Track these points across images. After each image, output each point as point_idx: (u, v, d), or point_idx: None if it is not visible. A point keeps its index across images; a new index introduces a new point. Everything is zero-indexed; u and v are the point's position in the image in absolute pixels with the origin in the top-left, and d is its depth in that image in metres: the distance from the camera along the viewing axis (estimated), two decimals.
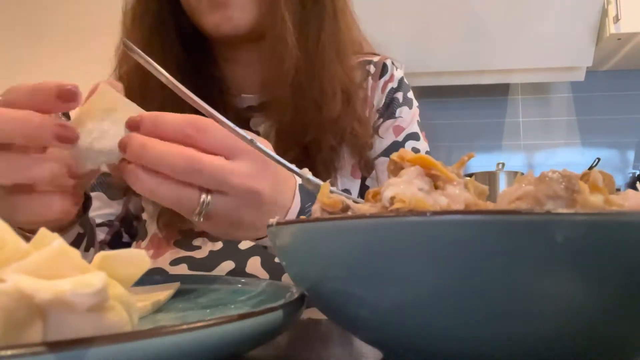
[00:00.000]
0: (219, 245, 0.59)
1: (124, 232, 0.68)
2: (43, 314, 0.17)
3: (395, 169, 0.26)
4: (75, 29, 2.50)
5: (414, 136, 0.69)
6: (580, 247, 0.17)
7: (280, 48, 0.57)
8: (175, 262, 0.58)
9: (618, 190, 0.25)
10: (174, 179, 0.34)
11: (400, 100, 0.69)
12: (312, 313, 0.35)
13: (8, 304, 0.16)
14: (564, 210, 0.17)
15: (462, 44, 1.79)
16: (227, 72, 0.66)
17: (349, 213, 0.25)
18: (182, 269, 0.57)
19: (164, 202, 0.35)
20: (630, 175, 2.06)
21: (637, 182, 1.99)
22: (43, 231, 0.20)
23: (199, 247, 0.59)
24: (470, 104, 2.13)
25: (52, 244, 0.18)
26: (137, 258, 0.21)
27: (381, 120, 0.68)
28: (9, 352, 0.15)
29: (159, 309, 0.32)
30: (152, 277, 0.39)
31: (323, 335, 0.35)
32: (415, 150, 0.68)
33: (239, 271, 0.57)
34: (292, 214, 0.40)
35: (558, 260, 0.17)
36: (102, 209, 0.65)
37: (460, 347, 0.20)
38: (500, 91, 2.14)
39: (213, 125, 0.34)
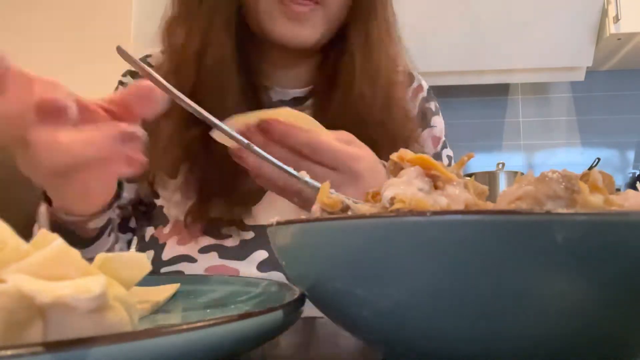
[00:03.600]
0: (250, 234, 0.59)
1: (133, 217, 0.66)
2: (43, 314, 0.17)
3: (395, 169, 0.26)
4: (73, 28, 2.49)
5: (445, 144, 0.73)
6: (580, 247, 0.17)
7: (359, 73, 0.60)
8: (204, 250, 0.58)
9: (618, 190, 0.25)
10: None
11: (433, 109, 0.73)
12: (312, 313, 0.35)
13: (8, 304, 0.16)
14: (564, 210, 0.17)
15: (462, 44, 1.79)
16: (270, 69, 0.66)
17: (349, 213, 0.25)
18: (212, 257, 0.57)
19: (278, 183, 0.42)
20: (630, 175, 2.06)
21: (637, 182, 1.99)
22: (43, 232, 0.20)
23: (229, 236, 0.59)
24: (470, 104, 2.13)
25: (52, 244, 0.18)
26: (137, 261, 0.21)
27: (420, 129, 0.70)
28: (9, 352, 0.15)
29: (159, 309, 0.32)
30: (153, 277, 0.39)
31: (323, 335, 0.35)
32: (449, 157, 0.72)
33: (272, 261, 0.57)
34: None
35: (558, 260, 0.17)
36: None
37: (460, 347, 0.20)
38: (500, 91, 2.14)
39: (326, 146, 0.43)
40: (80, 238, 0.49)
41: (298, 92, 0.67)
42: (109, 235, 0.54)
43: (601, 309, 0.18)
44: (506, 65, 1.87)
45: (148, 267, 0.23)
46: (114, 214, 0.55)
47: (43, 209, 0.47)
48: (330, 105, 0.61)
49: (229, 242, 0.59)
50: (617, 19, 1.71)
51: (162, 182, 0.63)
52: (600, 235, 0.17)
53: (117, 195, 0.47)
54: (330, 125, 0.60)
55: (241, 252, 0.58)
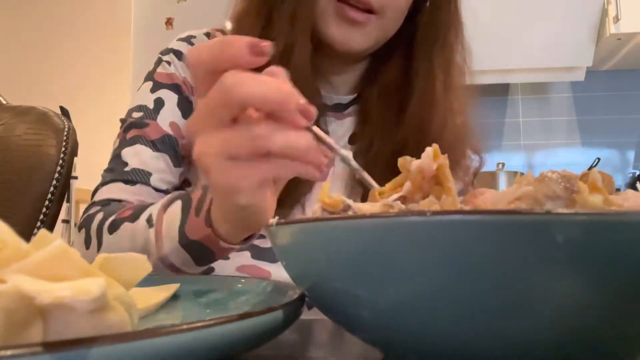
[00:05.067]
0: None
1: None
2: (43, 314, 0.17)
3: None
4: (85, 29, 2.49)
5: None
6: (580, 247, 0.17)
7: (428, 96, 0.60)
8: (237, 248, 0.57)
9: (618, 190, 0.25)
10: None
11: None
12: (312, 313, 0.35)
13: (9, 304, 0.16)
14: (564, 210, 0.17)
15: None
16: (315, 74, 0.64)
17: (350, 213, 0.25)
18: (245, 257, 0.56)
19: None
20: (630, 175, 2.06)
21: (637, 182, 1.99)
22: (43, 232, 0.20)
23: (263, 237, 0.57)
24: None
25: (52, 244, 0.18)
26: (138, 262, 0.21)
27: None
28: (8, 352, 0.15)
29: (159, 309, 0.32)
30: (153, 277, 0.39)
31: (323, 335, 0.35)
32: None
33: None
34: None
35: (558, 260, 0.17)
36: (165, 173, 0.60)
37: (460, 347, 0.20)
38: (500, 91, 2.14)
39: None
40: (212, 258, 0.47)
41: (342, 98, 0.66)
42: None
43: (601, 308, 0.18)
44: (506, 65, 1.87)
45: (149, 268, 0.23)
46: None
47: (195, 225, 0.45)
48: (374, 114, 0.61)
49: (263, 243, 0.57)
50: (617, 19, 1.71)
51: (197, 173, 0.61)
52: (600, 235, 0.17)
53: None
54: (370, 135, 0.60)
55: (274, 254, 0.57)
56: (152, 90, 0.63)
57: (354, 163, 0.34)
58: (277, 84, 0.33)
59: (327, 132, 0.63)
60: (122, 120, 0.63)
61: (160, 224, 0.48)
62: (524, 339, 0.19)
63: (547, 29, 1.79)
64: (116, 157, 0.60)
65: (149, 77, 0.65)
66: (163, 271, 0.47)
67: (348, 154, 0.35)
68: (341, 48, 0.57)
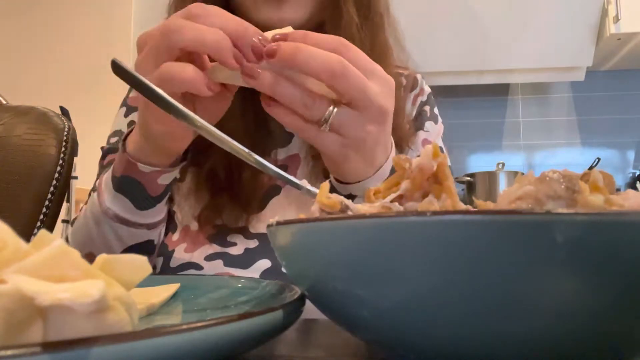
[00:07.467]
0: (254, 242, 0.59)
1: None
2: (43, 314, 0.17)
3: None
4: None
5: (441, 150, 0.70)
6: (580, 247, 0.17)
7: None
8: (210, 258, 0.58)
9: (618, 190, 0.25)
10: (304, 89, 0.38)
11: (428, 114, 0.71)
12: (312, 313, 0.35)
13: (8, 305, 0.16)
14: (565, 210, 0.17)
15: (462, 44, 1.79)
16: None
17: (349, 213, 0.25)
18: (218, 265, 0.57)
19: (296, 104, 0.39)
20: (630, 175, 2.06)
21: (637, 182, 1.99)
22: (43, 232, 0.20)
23: (234, 244, 0.59)
24: (470, 104, 2.13)
25: (52, 244, 0.18)
26: (139, 263, 0.21)
27: (414, 135, 0.69)
28: (9, 352, 0.15)
29: (159, 309, 0.32)
30: (153, 277, 0.39)
31: (323, 335, 0.35)
32: None
33: (275, 270, 0.57)
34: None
35: (558, 260, 0.17)
36: None
37: (460, 346, 0.20)
38: (500, 91, 2.14)
39: (355, 47, 0.39)
40: (147, 196, 0.50)
41: None
42: (166, 203, 0.55)
43: (601, 309, 0.18)
44: (506, 65, 1.87)
45: (149, 269, 0.22)
46: (174, 179, 0.55)
47: (119, 160, 0.49)
48: None
49: (234, 250, 0.59)
50: (617, 19, 1.71)
51: (176, 186, 0.63)
52: (600, 235, 0.17)
53: (184, 157, 0.50)
54: None
55: (245, 261, 0.58)
56: (126, 115, 0.66)
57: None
58: (213, 32, 0.37)
59: (291, 135, 0.64)
60: (102, 149, 0.66)
61: (100, 183, 0.53)
62: (524, 338, 0.19)
63: (547, 29, 1.79)
64: (94, 188, 0.61)
65: (123, 103, 0.68)
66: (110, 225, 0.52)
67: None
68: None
